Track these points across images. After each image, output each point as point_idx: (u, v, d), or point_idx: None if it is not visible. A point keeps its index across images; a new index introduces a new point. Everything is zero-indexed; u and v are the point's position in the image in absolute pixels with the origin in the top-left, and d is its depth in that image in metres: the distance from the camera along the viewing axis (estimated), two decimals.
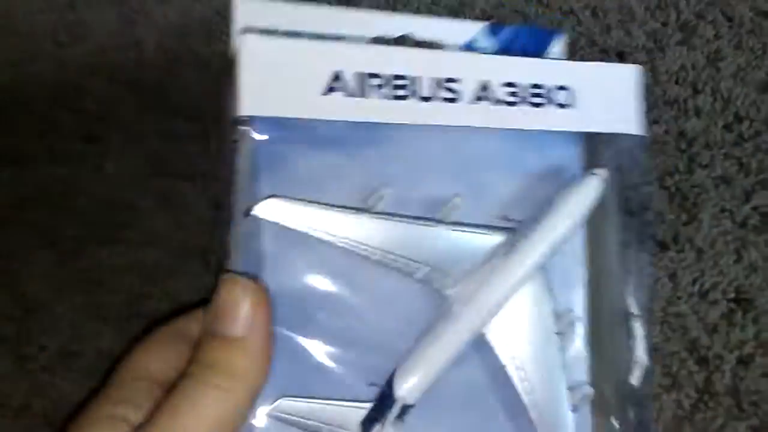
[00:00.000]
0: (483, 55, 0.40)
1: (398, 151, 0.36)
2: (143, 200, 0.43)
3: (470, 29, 0.43)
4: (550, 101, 0.37)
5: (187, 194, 0.43)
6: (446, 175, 0.37)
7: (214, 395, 0.30)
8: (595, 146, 0.38)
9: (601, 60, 0.46)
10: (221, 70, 0.36)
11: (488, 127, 0.36)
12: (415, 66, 0.35)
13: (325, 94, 0.34)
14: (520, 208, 0.36)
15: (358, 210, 0.35)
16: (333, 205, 0.35)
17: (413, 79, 0.35)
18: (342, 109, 0.34)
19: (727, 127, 0.46)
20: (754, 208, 0.45)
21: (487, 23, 0.43)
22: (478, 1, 0.46)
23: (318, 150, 0.35)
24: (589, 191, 0.35)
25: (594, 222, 0.37)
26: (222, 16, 0.45)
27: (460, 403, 0.36)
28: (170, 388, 0.30)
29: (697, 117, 0.46)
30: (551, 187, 0.36)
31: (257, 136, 0.34)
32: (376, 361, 0.34)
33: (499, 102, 0.36)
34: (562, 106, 0.37)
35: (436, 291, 0.35)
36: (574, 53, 0.46)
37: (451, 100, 0.36)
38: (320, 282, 0.35)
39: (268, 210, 0.34)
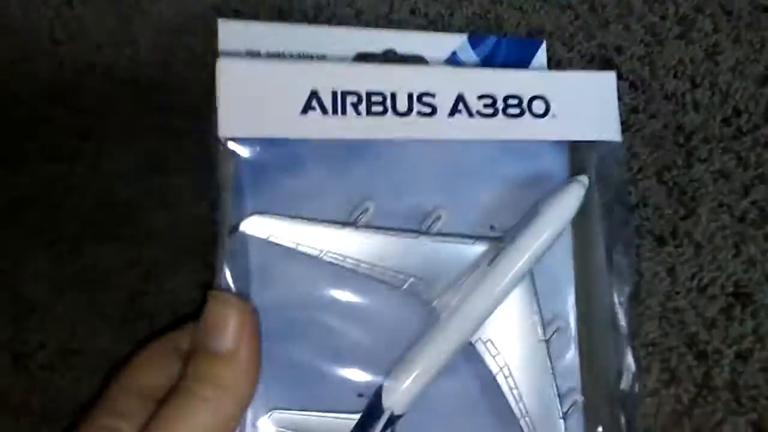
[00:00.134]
0: (458, 69, 0.41)
1: (381, 164, 0.37)
2: (141, 198, 0.43)
3: (452, 42, 0.43)
4: (527, 111, 0.37)
5: (184, 192, 0.42)
6: (430, 187, 0.37)
7: (204, 407, 0.31)
8: (579, 153, 0.39)
9: (600, 56, 0.46)
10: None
11: (475, 140, 0.37)
12: (390, 82, 0.36)
13: (302, 113, 0.35)
14: (506, 217, 0.37)
15: (343, 224, 0.36)
16: (318, 220, 0.35)
17: (389, 95, 0.36)
18: (320, 127, 0.35)
19: (725, 121, 0.46)
20: (753, 203, 0.45)
21: (466, 36, 0.44)
22: (457, 15, 0.46)
23: (301, 166, 0.36)
24: (570, 198, 0.36)
25: (580, 228, 0.38)
26: (218, 11, 0.45)
27: (451, 412, 0.36)
28: (162, 401, 0.31)
29: (695, 111, 0.46)
30: (537, 195, 0.37)
31: (240, 154, 0.35)
32: (365, 373, 0.35)
33: (476, 114, 0.37)
34: (539, 115, 0.37)
35: (422, 302, 0.36)
36: (571, 48, 0.46)
37: (428, 114, 0.36)
38: (308, 296, 0.35)
39: (254, 226, 0.35)
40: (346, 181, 0.36)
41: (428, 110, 0.36)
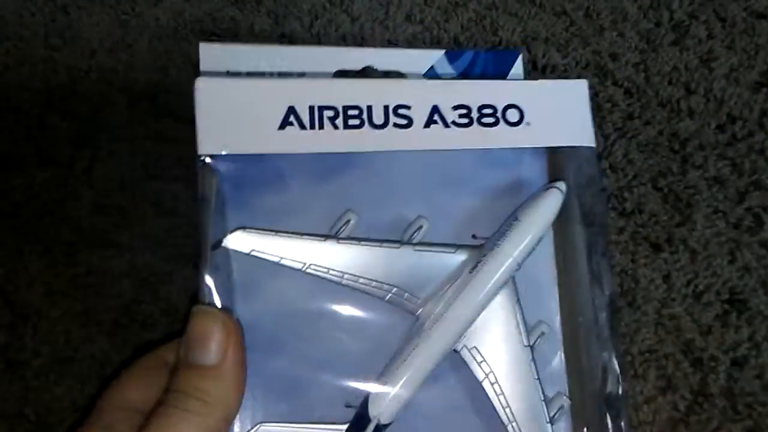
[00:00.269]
0: (432, 81, 0.43)
1: (362, 176, 0.37)
2: (135, 204, 0.42)
3: (430, 57, 0.44)
4: (502, 120, 0.38)
5: (180, 199, 0.42)
6: (411, 197, 0.38)
7: (189, 421, 0.31)
8: (556, 159, 0.39)
9: (595, 62, 0.46)
10: None
11: (451, 149, 0.37)
12: (366, 96, 0.37)
13: (280, 128, 0.35)
14: (487, 225, 0.37)
15: (326, 237, 0.36)
16: (300, 233, 0.36)
17: (365, 108, 0.36)
18: (298, 142, 0.36)
19: (720, 128, 0.46)
20: (748, 209, 0.45)
21: (443, 51, 0.44)
22: (452, 21, 0.46)
23: (282, 181, 0.37)
24: (549, 204, 0.37)
25: (561, 233, 0.38)
26: (213, 18, 0.45)
27: (438, 420, 0.36)
28: (148, 415, 0.32)
29: (690, 118, 0.46)
30: (517, 203, 0.37)
31: (221, 171, 0.36)
32: (351, 383, 0.35)
33: (451, 124, 0.37)
34: (513, 123, 0.38)
35: (406, 311, 0.36)
36: (566, 55, 0.46)
37: (404, 126, 0.37)
38: (292, 308, 0.36)
39: (237, 241, 0.35)
40: (328, 194, 0.37)
41: (404, 122, 0.37)
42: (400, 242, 0.37)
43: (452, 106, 0.37)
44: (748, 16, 0.47)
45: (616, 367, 0.37)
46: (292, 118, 0.36)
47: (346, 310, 0.36)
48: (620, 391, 0.37)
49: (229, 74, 0.41)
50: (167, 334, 0.41)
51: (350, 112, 0.36)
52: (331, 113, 0.36)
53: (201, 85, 0.35)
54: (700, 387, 0.43)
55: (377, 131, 0.36)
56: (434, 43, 0.46)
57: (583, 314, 0.38)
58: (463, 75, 0.44)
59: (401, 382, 0.35)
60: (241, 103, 0.35)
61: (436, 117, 0.37)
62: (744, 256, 0.44)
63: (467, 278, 0.36)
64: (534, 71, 0.46)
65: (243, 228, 0.35)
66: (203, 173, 0.35)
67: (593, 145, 0.39)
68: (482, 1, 0.47)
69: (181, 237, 0.42)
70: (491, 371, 0.36)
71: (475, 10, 0.47)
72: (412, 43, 0.46)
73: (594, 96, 0.46)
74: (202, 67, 0.42)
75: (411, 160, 0.37)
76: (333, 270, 0.36)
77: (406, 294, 0.36)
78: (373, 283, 0.36)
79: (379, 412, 0.35)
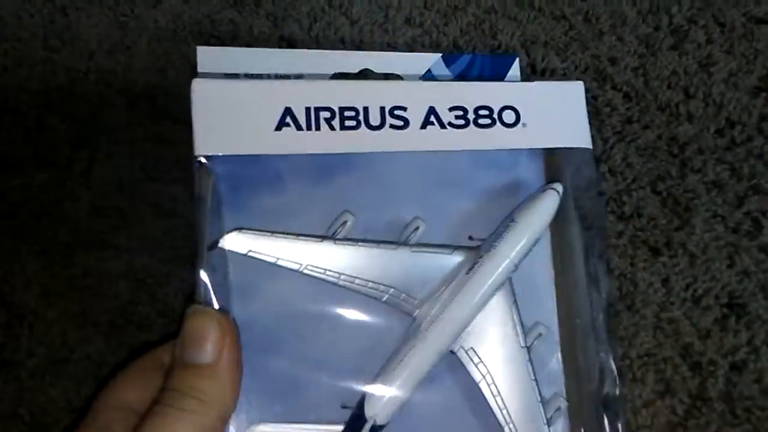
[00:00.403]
0: (429, 83, 0.43)
1: (359, 178, 0.37)
2: (133, 206, 0.42)
3: (427, 60, 0.45)
4: (498, 121, 0.38)
5: (178, 200, 0.42)
6: (408, 198, 0.38)
7: (185, 419, 0.31)
8: (553, 161, 0.39)
9: (594, 66, 0.46)
10: None
11: (447, 150, 0.37)
12: (363, 97, 0.37)
13: (277, 129, 0.36)
14: (484, 226, 0.37)
15: (323, 237, 0.36)
16: (297, 234, 0.36)
17: (362, 110, 0.37)
18: (294, 143, 0.36)
19: (719, 132, 0.46)
20: (747, 213, 0.45)
21: (440, 54, 0.45)
22: (452, 25, 0.46)
23: (279, 182, 0.37)
24: (546, 205, 0.37)
25: (558, 235, 0.38)
26: (212, 20, 0.45)
27: (435, 421, 0.36)
28: (144, 414, 0.32)
29: (689, 122, 0.46)
30: (514, 204, 0.37)
31: (218, 172, 0.36)
32: (348, 384, 0.35)
33: (447, 126, 0.37)
34: (509, 125, 0.38)
35: (403, 312, 0.36)
36: (566, 59, 0.46)
37: (401, 127, 0.37)
38: (289, 309, 0.36)
39: (234, 242, 0.35)
40: (324, 195, 0.37)
41: (401, 123, 0.37)
42: (397, 243, 0.37)
43: (449, 107, 0.37)
44: (747, 21, 0.47)
45: (614, 368, 0.37)
46: (288, 119, 0.36)
47: (343, 311, 0.36)
48: (617, 393, 0.36)
49: (226, 76, 0.42)
50: (164, 335, 0.41)
51: (347, 113, 0.36)
52: (327, 114, 0.36)
53: (197, 86, 0.35)
54: (699, 391, 0.43)
55: (374, 132, 0.36)
56: (433, 47, 0.46)
57: (581, 315, 0.38)
58: (460, 78, 0.44)
59: (398, 383, 0.35)
60: (237, 104, 0.36)
61: (432, 118, 0.37)
62: (743, 261, 0.44)
63: (464, 279, 0.36)
64: (533, 75, 0.46)
65: (240, 229, 0.36)
66: (200, 174, 0.35)
67: (589, 146, 0.39)
68: (482, 5, 0.47)
69: (179, 239, 0.42)
70: (488, 372, 0.36)
71: (475, 13, 0.47)
72: (411, 47, 0.46)
73: (593, 100, 0.46)
74: (200, 70, 0.42)
75: (408, 161, 0.38)
76: (330, 271, 0.36)
77: (403, 295, 0.36)
78: (370, 284, 0.36)
79: (375, 413, 0.34)
